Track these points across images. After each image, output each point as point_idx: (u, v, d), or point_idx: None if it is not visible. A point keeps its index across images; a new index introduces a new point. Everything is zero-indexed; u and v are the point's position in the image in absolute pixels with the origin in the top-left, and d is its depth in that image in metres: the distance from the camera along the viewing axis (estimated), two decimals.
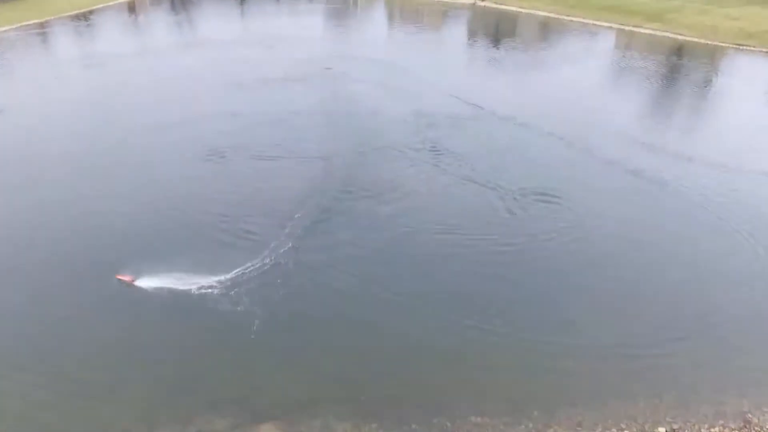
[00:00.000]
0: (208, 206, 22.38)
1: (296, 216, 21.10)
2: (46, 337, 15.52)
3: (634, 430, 13.17)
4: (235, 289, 17.01)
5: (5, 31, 59.97)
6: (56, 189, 24.01)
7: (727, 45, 52.99)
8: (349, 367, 14.49)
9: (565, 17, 69.36)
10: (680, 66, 47.68)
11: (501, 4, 79.74)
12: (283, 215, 21.34)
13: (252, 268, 17.94)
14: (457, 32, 66.42)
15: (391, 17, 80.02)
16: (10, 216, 22.29)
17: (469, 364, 14.45)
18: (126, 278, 18.92)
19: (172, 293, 17.12)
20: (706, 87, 41.67)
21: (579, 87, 40.46)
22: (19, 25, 62.55)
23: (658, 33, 58.89)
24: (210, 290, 16.88)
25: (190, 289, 16.98)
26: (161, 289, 16.69)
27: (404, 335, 15.35)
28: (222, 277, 17.40)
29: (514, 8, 76.72)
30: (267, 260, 18.38)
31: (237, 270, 17.72)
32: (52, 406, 13.50)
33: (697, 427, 13.29)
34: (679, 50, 52.86)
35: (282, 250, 18.98)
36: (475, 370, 14.30)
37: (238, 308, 16.23)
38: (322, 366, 14.46)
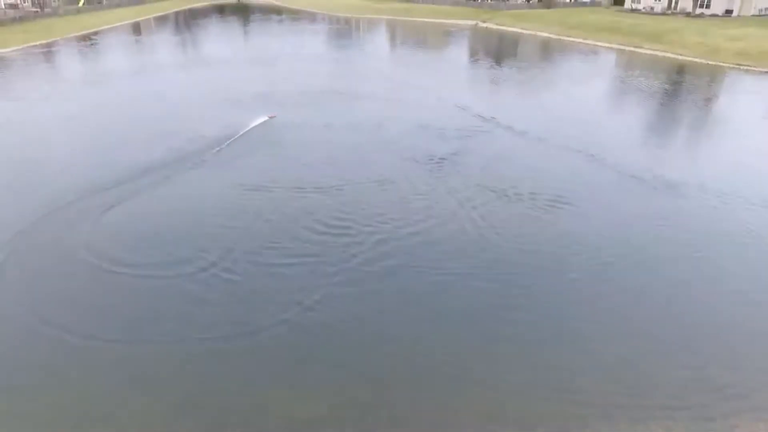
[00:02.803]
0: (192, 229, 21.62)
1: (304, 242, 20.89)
2: (39, 362, 15.13)
3: None
4: (239, 310, 16.77)
5: (13, 51, 60.64)
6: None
7: (727, 65, 53.42)
8: (355, 387, 14.15)
9: (566, 38, 70.18)
10: (682, 85, 47.95)
11: (502, 25, 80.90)
12: (288, 239, 21.13)
13: (248, 291, 17.63)
14: (460, 52, 67.06)
15: (393, 38, 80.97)
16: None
17: (478, 385, 14.10)
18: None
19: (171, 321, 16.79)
20: (711, 106, 41.87)
21: (586, 104, 40.65)
22: (25, 45, 63.31)
23: (659, 53, 59.48)
24: (216, 309, 16.64)
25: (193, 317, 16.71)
26: None
27: (411, 356, 15.03)
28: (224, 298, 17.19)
29: (515, 29, 77.80)
30: (264, 283, 18.08)
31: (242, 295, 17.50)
32: (49, 429, 13.17)
33: None
34: (680, 70, 53.26)
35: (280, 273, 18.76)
36: (484, 389, 13.96)
37: (243, 327, 15.97)
38: (328, 385, 14.14)
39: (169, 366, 14.49)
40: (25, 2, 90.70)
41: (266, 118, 32.69)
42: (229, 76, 48.35)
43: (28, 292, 17.26)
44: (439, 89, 43.03)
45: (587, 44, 66.70)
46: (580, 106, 39.53)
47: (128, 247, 19.66)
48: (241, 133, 30.43)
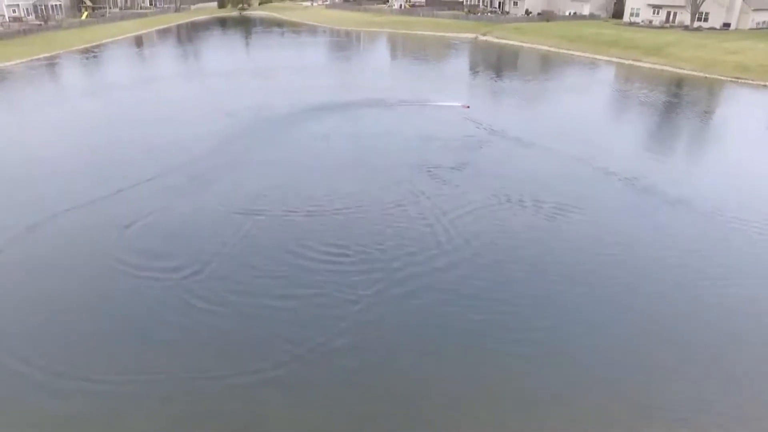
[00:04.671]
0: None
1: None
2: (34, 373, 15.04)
3: None
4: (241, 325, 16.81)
5: (16, 64, 61.06)
6: None
7: (725, 78, 53.82)
8: (356, 402, 14.17)
9: (566, 51, 70.70)
10: (683, 98, 48.29)
11: (502, 38, 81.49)
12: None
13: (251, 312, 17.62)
14: (461, 65, 67.49)
15: (395, 51, 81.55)
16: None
17: (478, 402, 14.07)
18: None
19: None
20: (713, 119, 42.24)
21: (590, 118, 40.90)
22: (29, 59, 63.73)
23: (657, 66, 59.92)
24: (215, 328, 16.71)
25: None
26: None
27: (412, 373, 15.01)
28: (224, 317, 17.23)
29: (515, 42, 78.38)
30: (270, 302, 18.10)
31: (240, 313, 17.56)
32: None
33: None
34: (679, 83, 53.62)
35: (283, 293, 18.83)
36: (483, 407, 13.94)
37: (244, 342, 15.98)
38: (328, 400, 14.14)
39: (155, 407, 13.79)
40: (28, 16, 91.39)
41: (459, 105, 38.04)
42: (235, 87, 48.74)
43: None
44: (446, 100, 43.48)
45: (587, 57, 67.18)
46: (583, 119, 39.74)
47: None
48: (434, 104, 39.22)
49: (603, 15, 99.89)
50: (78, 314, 16.97)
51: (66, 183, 26.37)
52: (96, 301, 17.61)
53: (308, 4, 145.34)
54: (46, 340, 15.77)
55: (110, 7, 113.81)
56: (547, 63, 66.81)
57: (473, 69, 63.83)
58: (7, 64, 60.09)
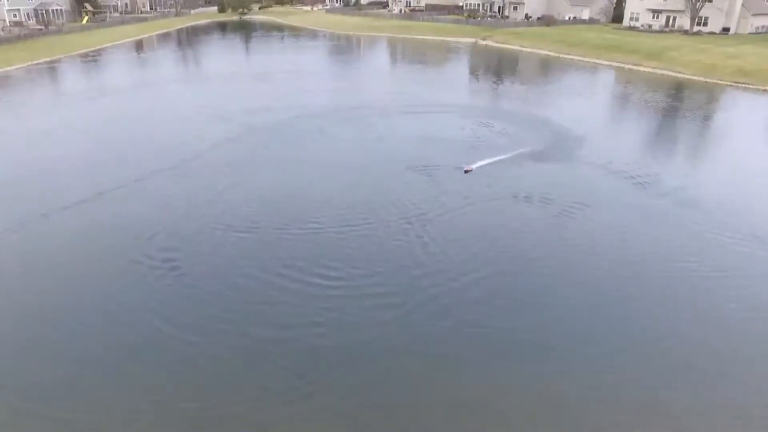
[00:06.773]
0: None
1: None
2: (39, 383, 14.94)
3: None
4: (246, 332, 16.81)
5: (17, 68, 61.18)
6: None
7: (725, 83, 53.96)
8: (359, 411, 14.13)
9: (566, 56, 70.87)
10: (685, 103, 48.43)
11: (502, 43, 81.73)
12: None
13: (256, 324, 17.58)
14: (461, 69, 67.64)
15: (395, 55, 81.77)
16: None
17: (480, 412, 14.05)
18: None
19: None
20: (714, 123, 42.40)
21: (594, 119, 41.19)
22: (29, 63, 63.87)
23: (658, 71, 60.06)
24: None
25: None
26: None
27: (415, 383, 14.95)
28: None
29: (514, 47, 78.58)
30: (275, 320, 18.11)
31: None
32: None
33: None
34: (680, 88, 53.74)
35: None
36: (487, 417, 13.93)
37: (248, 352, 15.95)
38: (333, 411, 14.11)
39: None
40: (30, 20, 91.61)
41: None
42: (235, 92, 48.82)
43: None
44: (452, 104, 43.67)
45: (587, 62, 67.35)
46: (585, 122, 39.69)
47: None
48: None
49: (603, 19, 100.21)
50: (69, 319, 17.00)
51: (51, 186, 26.45)
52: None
53: (308, 8, 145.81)
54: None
55: (111, 12, 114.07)
56: (547, 67, 66.95)
57: (473, 73, 63.99)
58: (9, 68, 60.21)
